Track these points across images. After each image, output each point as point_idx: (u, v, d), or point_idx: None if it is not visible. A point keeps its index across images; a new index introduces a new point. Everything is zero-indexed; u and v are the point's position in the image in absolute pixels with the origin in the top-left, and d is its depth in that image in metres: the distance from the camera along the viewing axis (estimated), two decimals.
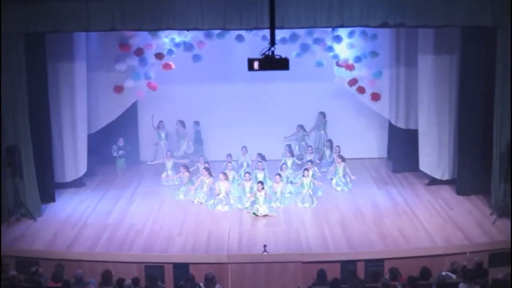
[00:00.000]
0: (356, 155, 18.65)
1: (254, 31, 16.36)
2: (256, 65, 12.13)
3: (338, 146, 17.70)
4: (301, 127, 18.75)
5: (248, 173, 16.34)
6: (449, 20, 14.42)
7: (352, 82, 18.15)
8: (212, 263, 13.05)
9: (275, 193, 15.92)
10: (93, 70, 17.35)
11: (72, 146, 16.93)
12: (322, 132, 18.90)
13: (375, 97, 18.25)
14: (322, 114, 18.86)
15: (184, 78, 18.50)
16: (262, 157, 17.06)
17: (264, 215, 15.27)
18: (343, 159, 17.15)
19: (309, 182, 16.08)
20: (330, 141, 18.22)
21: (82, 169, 17.13)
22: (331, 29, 16.80)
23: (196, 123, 18.83)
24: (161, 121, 18.42)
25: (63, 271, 11.94)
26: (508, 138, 14.82)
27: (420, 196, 16.57)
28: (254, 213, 15.33)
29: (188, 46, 17.66)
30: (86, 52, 16.89)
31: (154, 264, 13.14)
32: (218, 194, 15.79)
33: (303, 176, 16.21)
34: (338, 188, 16.98)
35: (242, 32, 16.91)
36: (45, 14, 14.20)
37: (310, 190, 16.03)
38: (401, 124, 18.09)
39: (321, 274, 11.81)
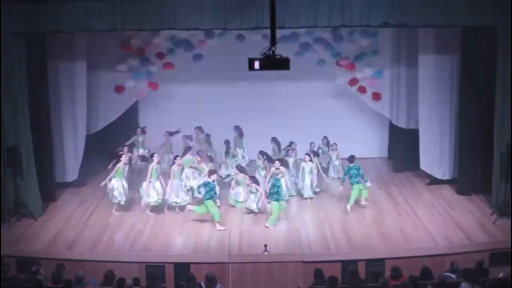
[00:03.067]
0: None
1: (255, 30, 16.35)
2: (256, 64, 12.10)
3: (335, 143, 17.69)
4: (199, 129, 17.99)
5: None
6: (449, 20, 14.41)
7: (353, 81, 18.17)
8: (212, 262, 13.06)
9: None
10: (94, 70, 17.37)
11: (73, 145, 16.95)
12: (240, 149, 17.89)
13: (376, 96, 18.27)
14: (236, 128, 17.92)
15: (185, 77, 18.50)
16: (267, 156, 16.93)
17: (252, 211, 15.30)
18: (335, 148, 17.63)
19: (309, 169, 15.99)
20: (326, 137, 18.11)
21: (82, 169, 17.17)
22: (331, 28, 16.80)
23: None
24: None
25: (62, 271, 11.93)
26: (508, 137, 14.82)
27: (420, 195, 16.59)
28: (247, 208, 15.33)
29: (189, 46, 17.67)
30: (87, 52, 16.90)
31: (155, 264, 13.15)
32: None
33: (304, 161, 16.20)
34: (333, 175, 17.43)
35: (242, 32, 16.90)
36: (45, 14, 14.19)
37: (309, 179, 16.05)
38: (401, 124, 18.10)
39: (318, 274, 11.80)
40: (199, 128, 17.85)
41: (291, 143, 17.29)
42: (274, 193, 14.61)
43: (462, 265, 11.94)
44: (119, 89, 17.88)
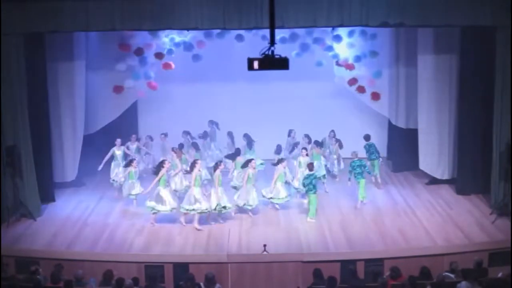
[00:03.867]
0: None
1: (254, 31, 16.37)
2: (256, 64, 12.09)
3: (339, 139, 17.71)
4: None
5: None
6: (449, 20, 14.42)
7: (352, 81, 18.17)
8: (212, 262, 13.06)
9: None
10: (93, 70, 17.36)
11: (72, 145, 16.94)
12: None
13: (375, 96, 18.27)
14: (212, 122, 18.41)
15: (184, 77, 18.51)
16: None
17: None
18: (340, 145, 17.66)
19: (305, 163, 16.00)
20: (333, 131, 18.03)
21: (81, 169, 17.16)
22: (331, 28, 16.83)
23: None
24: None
25: (61, 271, 11.93)
26: (507, 137, 14.83)
27: (420, 195, 16.59)
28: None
29: (188, 46, 17.67)
30: (86, 52, 16.91)
31: (154, 264, 13.15)
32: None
33: (301, 155, 16.23)
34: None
35: (242, 32, 16.92)
36: (45, 14, 14.21)
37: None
38: (401, 124, 18.11)
39: (318, 274, 11.82)
40: (165, 135, 17.86)
41: (290, 131, 17.62)
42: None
43: (461, 265, 11.96)
44: (118, 89, 17.86)
